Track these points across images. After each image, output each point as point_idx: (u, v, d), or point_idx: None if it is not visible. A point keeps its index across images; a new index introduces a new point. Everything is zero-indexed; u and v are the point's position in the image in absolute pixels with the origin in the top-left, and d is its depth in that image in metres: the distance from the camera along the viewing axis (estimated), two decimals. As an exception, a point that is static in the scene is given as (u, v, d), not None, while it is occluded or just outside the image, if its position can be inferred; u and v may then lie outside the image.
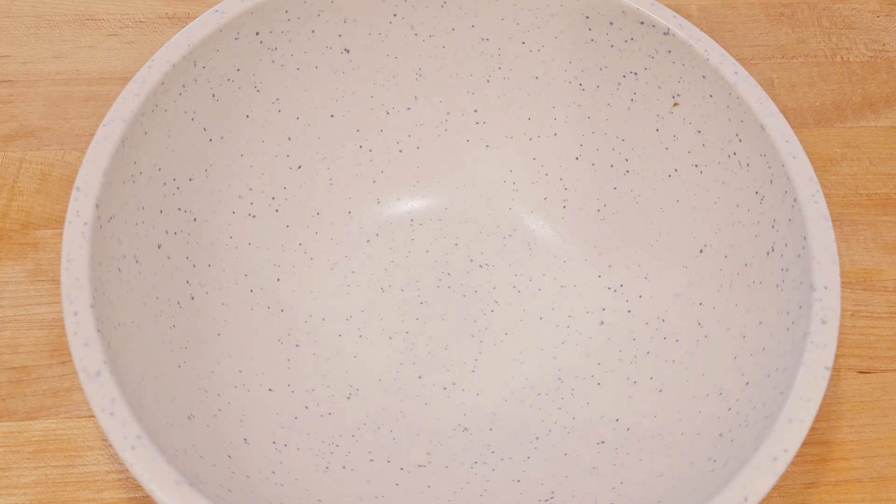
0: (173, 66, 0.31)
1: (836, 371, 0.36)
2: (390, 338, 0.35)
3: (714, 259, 0.33)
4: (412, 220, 0.37)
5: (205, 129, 0.33)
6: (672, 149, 0.34)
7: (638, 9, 0.33)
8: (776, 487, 0.33)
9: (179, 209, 0.32)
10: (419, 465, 0.32)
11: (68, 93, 0.41)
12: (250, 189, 0.35)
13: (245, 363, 0.32)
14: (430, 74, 0.36)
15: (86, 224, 0.27)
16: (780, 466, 0.25)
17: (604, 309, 0.35)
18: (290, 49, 0.34)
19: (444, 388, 0.34)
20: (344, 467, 0.31)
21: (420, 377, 0.34)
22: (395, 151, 0.37)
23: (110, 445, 0.32)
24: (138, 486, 0.32)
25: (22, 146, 0.39)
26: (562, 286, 0.36)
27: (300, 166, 0.36)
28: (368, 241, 0.37)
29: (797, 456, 0.33)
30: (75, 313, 0.26)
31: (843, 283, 0.38)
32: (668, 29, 0.33)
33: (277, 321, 0.34)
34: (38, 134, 0.40)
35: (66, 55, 0.42)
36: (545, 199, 0.37)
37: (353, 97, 0.36)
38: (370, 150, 0.37)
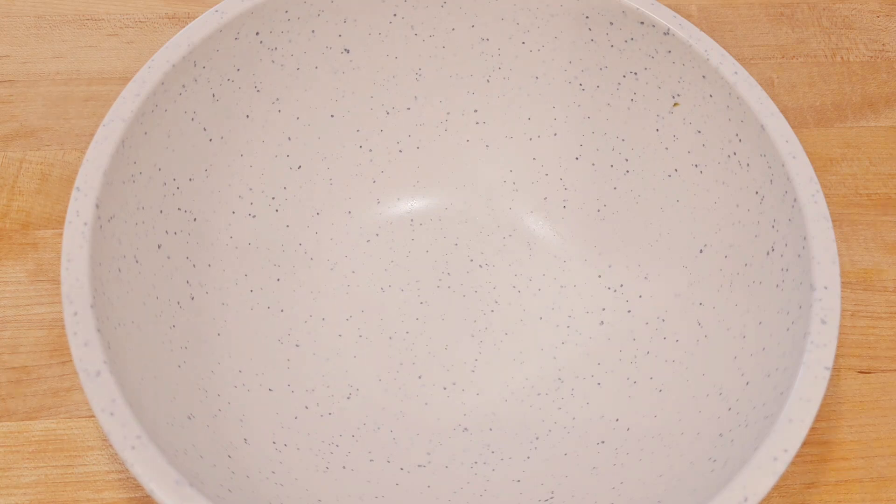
0: (173, 66, 0.31)
1: (836, 371, 0.36)
2: (390, 338, 0.35)
3: (714, 259, 0.33)
4: (412, 220, 0.37)
5: (205, 129, 0.33)
6: (672, 149, 0.34)
7: (638, 9, 0.33)
8: (776, 487, 0.33)
9: (179, 209, 0.32)
10: (419, 465, 0.32)
11: (68, 93, 0.41)
12: (250, 189, 0.35)
13: (245, 363, 0.32)
14: (430, 74, 0.36)
15: (86, 224, 0.27)
16: (780, 466, 0.25)
17: (604, 309, 0.35)
18: (290, 49, 0.34)
19: (444, 388, 0.34)
20: (344, 467, 0.31)
21: (420, 377, 0.34)
22: (395, 151, 0.37)
23: (110, 445, 0.32)
24: (138, 486, 0.32)
25: (22, 146, 0.39)
26: (562, 286, 0.36)
27: (300, 166, 0.36)
28: (368, 241, 0.37)
29: (797, 456, 0.33)
30: (75, 313, 0.26)
31: (843, 283, 0.38)
32: (668, 29, 0.33)
33: (277, 321, 0.34)
34: (38, 134, 0.40)
35: (66, 55, 0.42)
36: (545, 199, 0.37)
37: (353, 97, 0.36)
38: (370, 150, 0.37)
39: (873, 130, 0.42)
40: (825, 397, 0.35)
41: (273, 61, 0.34)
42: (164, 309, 0.30)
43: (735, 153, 0.32)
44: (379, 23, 0.35)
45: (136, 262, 0.29)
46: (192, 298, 0.32)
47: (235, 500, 0.26)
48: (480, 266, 0.37)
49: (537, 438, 0.32)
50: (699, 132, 0.33)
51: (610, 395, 0.33)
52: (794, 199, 0.29)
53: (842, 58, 0.44)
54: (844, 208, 0.40)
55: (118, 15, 0.44)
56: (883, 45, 0.45)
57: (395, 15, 0.35)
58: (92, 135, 0.40)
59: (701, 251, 0.33)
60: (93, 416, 0.33)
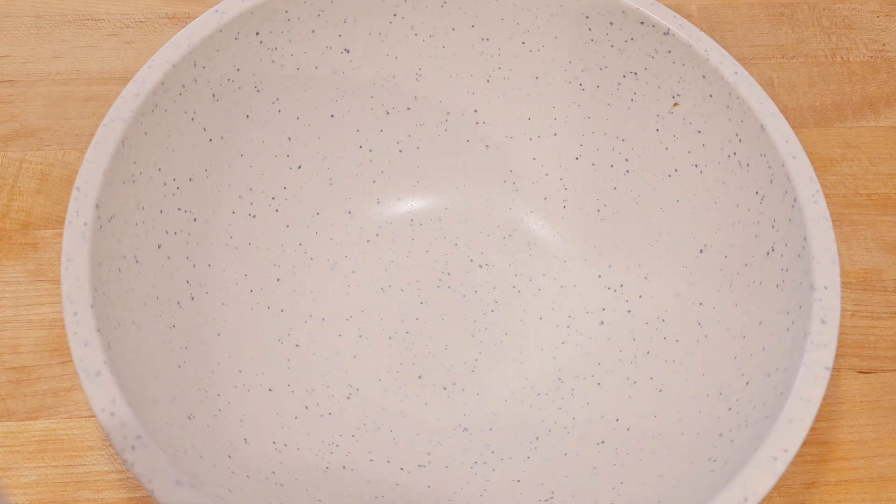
0: (173, 66, 0.31)
1: (836, 371, 0.36)
2: (390, 338, 0.35)
3: (714, 259, 0.33)
4: (412, 220, 0.37)
5: (205, 129, 0.33)
6: (672, 149, 0.34)
7: (638, 9, 0.33)
8: (776, 487, 0.33)
9: (179, 209, 0.32)
10: (419, 465, 0.32)
11: (68, 93, 0.41)
12: (250, 189, 0.35)
13: (245, 363, 0.32)
14: (430, 74, 0.36)
15: (86, 224, 0.27)
16: (780, 466, 0.25)
17: (604, 309, 0.35)
18: (290, 49, 0.34)
19: (444, 388, 0.34)
20: (344, 467, 0.31)
21: (420, 377, 0.34)
22: (395, 151, 0.37)
23: (110, 445, 0.32)
24: (138, 486, 0.32)
25: (22, 146, 0.39)
26: (562, 286, 0.36)
27: (300, 166, 0.36)
28: (368, 241, 0.37)
29: (797, 456, 0.33)
30: (75, 313, 0.26)
31: (843, 283, 0.38)
32: (668, 29, 0.33)
33: (277, 321, 0.34)
34: (38, 134, 0.40)
35: (66, 55, 0.42)
36: (545, 199, 0.37)
37: (353, 97, 0.36)
38: (370, 150, 0.37)
39: (873, 130, 0.42)
40: (825, 397, 0.35)
41: (273, 61, 0.34)
42: (164, 309, 0.30)
43: (735, 153, 0.32)
44: (379, 23, 0.35)
45: (136, 262, 0.29)
46: (192, 298, 0.32)
47: (235, 500, 0.26)
48: (480, 266, 0.37)
49: (537, 438, 0.32)
50: (699, 132, 0.33)
51: (610, 395, 0.33)
52: (794, 199, 0.29)
53: (842, 58, 0.44)
54: (844, 208, 0.40)
55: (118, 15, 0.44)
56: (883, 45, 0.45)
57: (395, 15, 0.35)
58: (92, 135, 0.40)
59: (701, 251, 0.33)
60: (93, 416, 0.33)
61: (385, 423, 0.33)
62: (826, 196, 0.40)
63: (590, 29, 0.34)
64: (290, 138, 0.35)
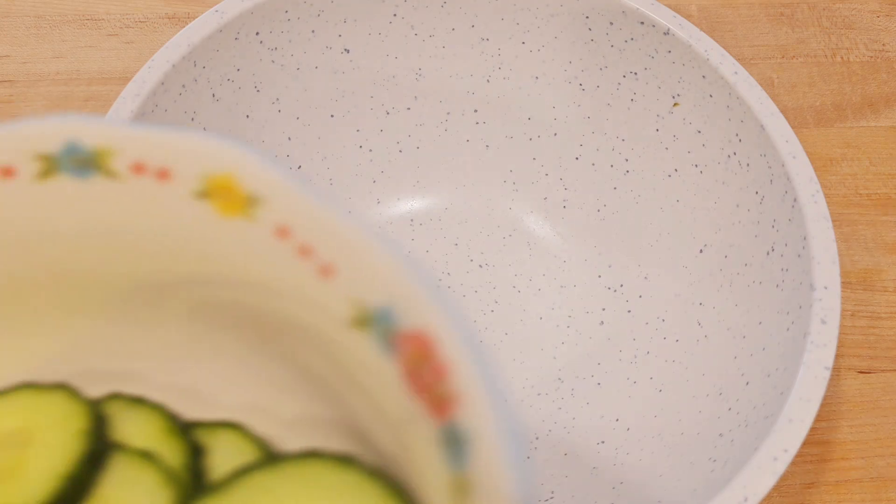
0: (173, 66, 0.31)
1: (836, 371, 0.36)
2: (390, 338, 0.35)
3: (714, 259, 0.33)
4: (412, 220, 0.37)
5: (205, 130, 0.33)
6: (672, 149, 0.34)
7: (638, 9, 0.33)
8: (776, 487, 0.33)
9: (179, 209, 0.32)
10: (419, 465, 0.32)
11: (68, 93, 0.41)
12: (250, 189, 0.35)
13: (245, 363, 0.32)
14: (430, 74, 0.36)
15: (86, 224, 0.27)
16: (780, 466, 0.25)
17: (604, 309, 0.35)
18: (290, 49, 0.34)
19: (444, 388, 0.34)
20: (344, 467, 0.31)
21: (420, 377, 0.34)
22: (395, 151, 0.37)
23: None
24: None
25: (22, 146, 0.39)
26: (562, 286, 0.36)
27: (300, 166, 0.36)
28: (368, 241, 0.37)
29: (797, 456, 0.33)
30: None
31: (843, 283, 0.38)
32: (668, 29, 0.33)
33: (277, 321, 0.34)
34: (38, 134, 0.40)
35: (66, 55, 0.42)
36: (545, 199, 0.37)
37: (353, 97, 0.36)
38: (370, 150, 0.37)
39: (873, 130, 0.42)
40: (825, 397, 0.35)
41: (273, 61, 0.34)
42: (164, 309, 0.30)
43: (735, 153, 0.32)
44: (379, 23, 0.35)
45: (136, 262, 0.29)
46: (192, 298, 0.32)
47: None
48: (480, 266, 0.37)
49: (537, 438, 0.32)
50: (699, 132, 0.33)
51: (610, 395, 0.33)
52: (794, 199, 0.29)
53: (842, 58, 0.44)
54: (844, 208, 0.40)
55: (118, 15, 0.44)
56: (883, 45, 0.45)
57: (395, 15, 0.35)
58: (92, 135, 0.40)
59: (701, 251, 0.33)
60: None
61: (385, 423, 0.33)
62: (826, 196, 0.40)
63: (590, 29, 0.34)
64: (290, 138, 0.35)
